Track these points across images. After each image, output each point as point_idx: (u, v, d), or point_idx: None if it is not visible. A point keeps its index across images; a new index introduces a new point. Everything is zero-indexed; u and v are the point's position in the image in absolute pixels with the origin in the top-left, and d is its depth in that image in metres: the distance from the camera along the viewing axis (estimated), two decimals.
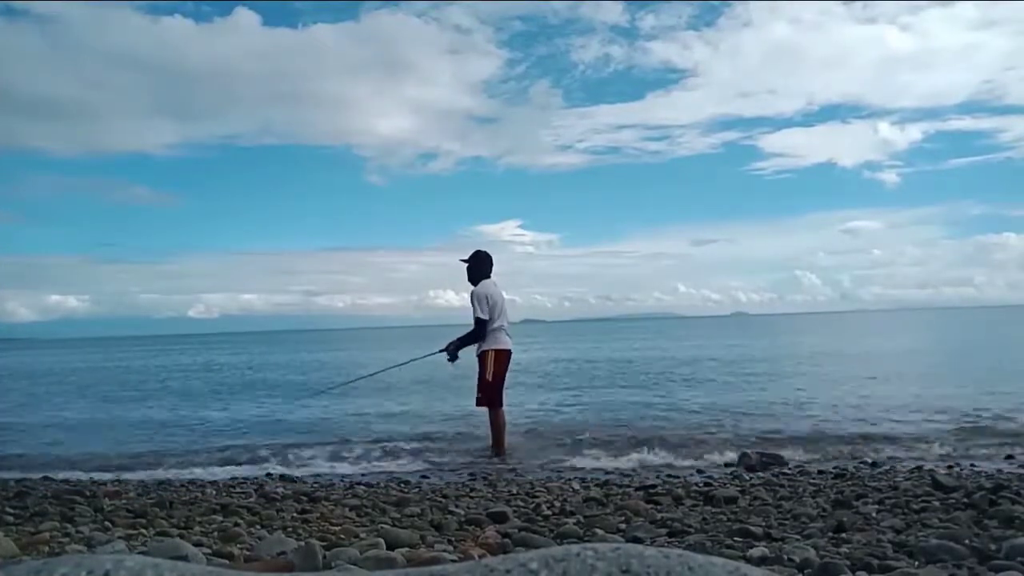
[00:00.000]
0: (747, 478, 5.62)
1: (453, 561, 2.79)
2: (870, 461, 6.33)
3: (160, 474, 6.73)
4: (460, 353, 7.40)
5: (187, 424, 10.55)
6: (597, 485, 5.47)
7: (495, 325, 7.22)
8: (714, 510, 4.36)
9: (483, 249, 7.51)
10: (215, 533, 3.91)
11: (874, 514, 4.06)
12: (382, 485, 5.75)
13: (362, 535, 3.67)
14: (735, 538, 3.56)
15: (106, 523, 4.22)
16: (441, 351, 7.43)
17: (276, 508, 4.66)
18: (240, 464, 7.26)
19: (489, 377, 7.21)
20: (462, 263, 7.46)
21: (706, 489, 5.01)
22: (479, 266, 7.39)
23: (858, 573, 2.75)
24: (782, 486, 5.11)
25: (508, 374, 7.45)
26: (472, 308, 7.22)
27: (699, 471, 6.15)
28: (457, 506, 4.67)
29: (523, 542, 3.44)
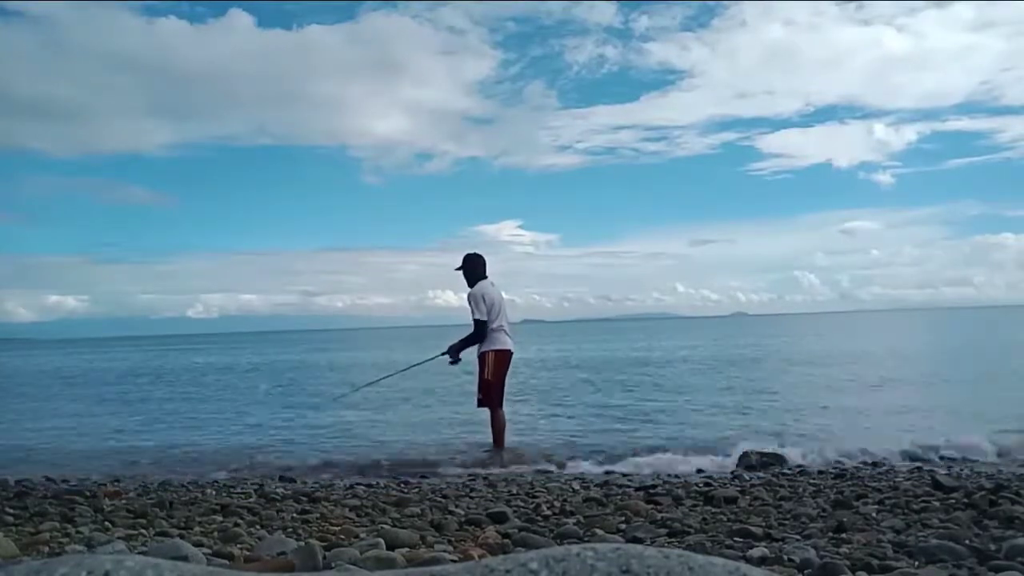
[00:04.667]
0: (747, 478, 5.62)
1: (453, 561, 2.79)
2: (870, 461, 6.33)
3: (160, 474, 6.73)
4: (461, 354, 7.41)
5: (187, 424, 10.55)
6: (597, 485, 5.46)
7: (494, 326, 7.22)
8: (714, 510, 4.37)
9: (474, 251, 7.53)
10: (215, 533, 3.91)
11: (874, 514, 4.06)
12: (382, 485, 5.75)
13: (362, 535, 3.67)
14: (735, 538, 3.56)
15: (106, 523, 4.22)
16: (443, 354, 7.44)
17: (276, 508, 4.66)
18: (240, 465, 7.25)
19: (489, 377, 7.21)
20: (457, 271, 7.47)
21: (706, 489, 5.01)
22: (474, 268, 7.40)
23: (858, 573, 2.75)
24: (782, 486, 5.11)
25: (509, 374, 7.46)
26: (470, 310, 7.23)
27: (699, 471, 6.16)
28: (457, 506, 4.66)
29: (523, 542, 3.44)
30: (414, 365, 8.28)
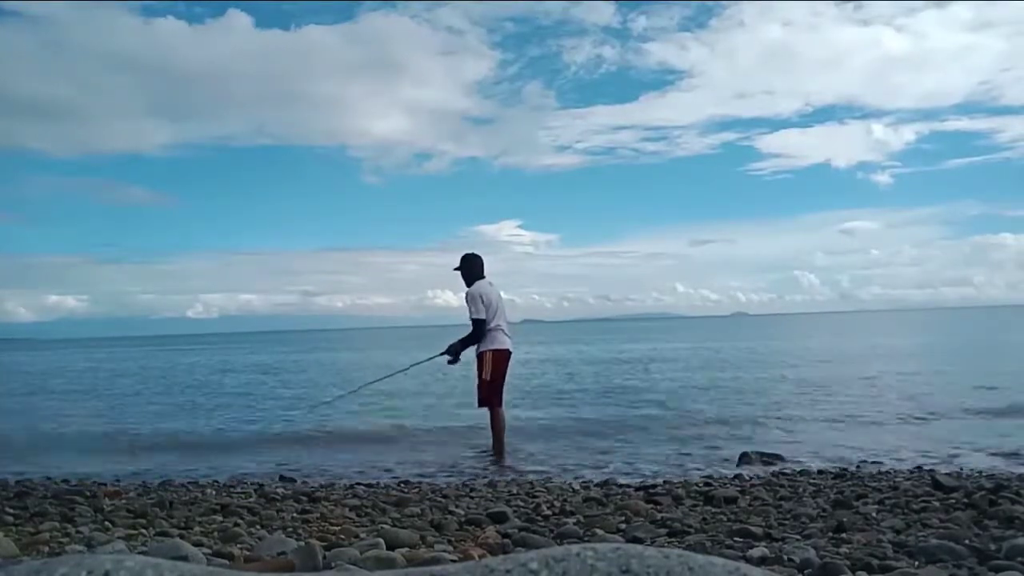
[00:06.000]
0: (747, 478, 5.62)
1: (453, 561, 2.79)
2: (870, 461, 6.33)
3: (160, 474, 6.73)
4: (461, 355, 7.42)
5: (187, 424, 10.55)
6: (597, 485, 5.47)
7: (492, 325, 7.23)
8: (714, 510, 4.37)
9: (472, 251, 7.55)
10: (215, 533, 3.91)
11: (874, 514, 4.06)
12: (382, 485, 5.75)
13: (362, 535, 3.67)
14: (735, 538, 3.56)
15: (106, 523, 4.22)
16: (443, 354, 7.45)
17: (276, 508, 4.66)
18: (240, 465, 7.25)
19: (488, 377, 7.22)
20: (455, 271, 7.50)
21: (706, 489, 5.01)
22: (471, 269, 7.41)
23: (858, 573, 2.75)
24: (782, 486, 5.11)
25: (508, 374, 7.46)
26: (468, 310, 7.24)
27: (699, 471, 6.16)
28: (457, 506, 4.66)
29: (523, 542, 3.44)
30: (415, 364, 8.29)
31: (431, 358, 7.83)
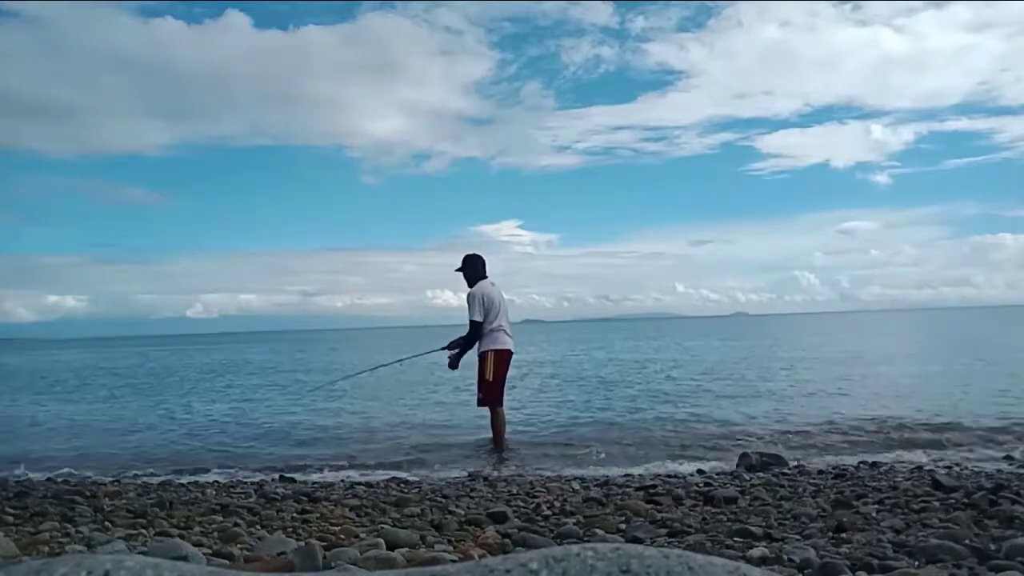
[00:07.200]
0: (747, 478, 5.62)
1: (453, 561, 2.79)
2: (870, 461, 6.33)
3: (160, 474, 6.73)
4: (460, 359, 7.45)
5: (187, 424, 10.55)
6: (597, 485, 5.46)
7: (493, 325, 7.24)
8: (714, 510, 4.36)
9: (473, 252, 7.53)
10: (215, 533, 3.91)
11: (874, 514, 4.06)
12: (382, 485, 5.75)
13: (362, 535, 3.67)
14: (735, 538, 3.56)
15: (106, 523, 4.22)
16: (442, 349, 7.46)
17: (276, 508, 4.66)
18: (239, 464, 7.26)
19: (489, 377, 7.23)
20: (457, 272, 7.51)
21: (706, 489, 5.01)
22: (473, 269, 7.42)
23: (858, 573, 2.75)
24: (782, 486, 5.10)
25: (509, 374, 7.47)
26: (468, 310, 7.26)
27: (699, 471, 6.16)
28: (457, 506, 4.66)
29: (523, 542, 3.44)
30: (412, 356, 8.29)
31: (428, 352, 7.84)
